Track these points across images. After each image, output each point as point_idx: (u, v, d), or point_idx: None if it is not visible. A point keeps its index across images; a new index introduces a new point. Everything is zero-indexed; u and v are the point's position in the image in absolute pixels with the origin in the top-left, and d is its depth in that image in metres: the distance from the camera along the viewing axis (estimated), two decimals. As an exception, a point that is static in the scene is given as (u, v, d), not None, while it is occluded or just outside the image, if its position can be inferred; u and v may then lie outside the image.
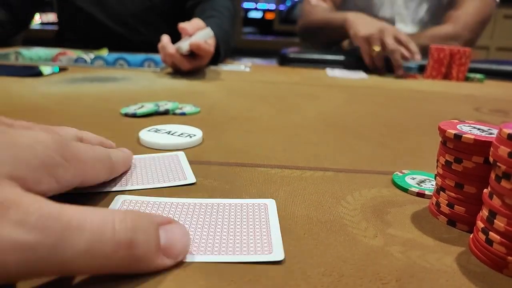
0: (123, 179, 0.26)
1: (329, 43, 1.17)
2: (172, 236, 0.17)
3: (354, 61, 0.96)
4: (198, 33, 0.70)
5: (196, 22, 0.75)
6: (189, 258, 0.17)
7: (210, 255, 0.18)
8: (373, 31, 0.86)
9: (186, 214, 0.21)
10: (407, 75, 0.87)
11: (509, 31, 2.55)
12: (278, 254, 0.18)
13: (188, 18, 0.89)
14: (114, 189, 0.24)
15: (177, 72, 0.73)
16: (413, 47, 0.84)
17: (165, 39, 0.70)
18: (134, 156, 0.29)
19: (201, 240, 0.19)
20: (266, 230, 0.20)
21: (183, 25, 0.71)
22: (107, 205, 0.22)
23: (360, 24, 0.90)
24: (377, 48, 0.85)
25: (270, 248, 0.18)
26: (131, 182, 0.26)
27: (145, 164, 0.29)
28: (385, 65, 0.87)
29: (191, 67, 0.71)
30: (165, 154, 0.31)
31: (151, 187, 0.25)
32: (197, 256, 0.18)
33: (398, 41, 0.84)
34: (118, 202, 0.22)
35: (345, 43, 1.21)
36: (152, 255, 0.16)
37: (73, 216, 0.14)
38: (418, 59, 0.84)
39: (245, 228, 0.20)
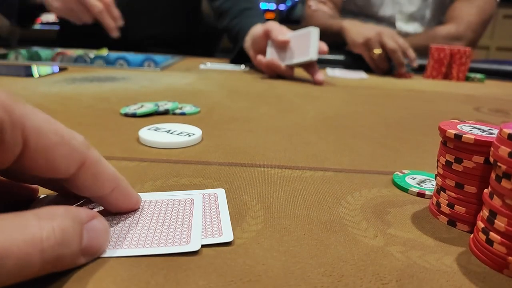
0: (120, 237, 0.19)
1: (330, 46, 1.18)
2: (93, 235, 0.16)
3: (354, 61, 0.96)
4: (310, 38, 0.70)
5: (276, 26, 0.75)
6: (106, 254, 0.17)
7: (141, 248, 0.18)
8: (370, 35, 0.87)
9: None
10: (409, 75, 0.87)
11: (509, 31, 2.55)
12: (227, 236, 0.19)
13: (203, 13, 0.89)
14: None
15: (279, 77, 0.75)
16: (411, 53, 0.85)
17: (270, 59, 0.73)
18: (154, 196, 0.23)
19: (141, 233, 0.19)
20: (216, 215, 0.21)
21: (282, 38, 0.71)
22: None
23: (356, 32, 0.91)
24: (377, 51, 0.86)
25: (220, 231, 0.19)
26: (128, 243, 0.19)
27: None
28: (389, 65, 0.88)
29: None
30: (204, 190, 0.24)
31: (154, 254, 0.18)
32: (137, 249, 0.18)
33: (396, 43, 0.85)
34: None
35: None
36: (74, 259, 0.16)
37: (0, 240, 0.13)
38: (414, 65, 0.86)
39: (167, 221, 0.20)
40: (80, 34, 1.03)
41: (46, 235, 0.14)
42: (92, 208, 0.21)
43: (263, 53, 0.76)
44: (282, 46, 0.73)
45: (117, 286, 0.16)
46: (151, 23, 1.02)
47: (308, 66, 0.72)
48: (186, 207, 0.22)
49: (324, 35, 1.08)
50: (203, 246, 0.18)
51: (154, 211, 0.21)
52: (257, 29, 0.78)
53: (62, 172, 0.17)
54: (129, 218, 0.20)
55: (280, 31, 0.73)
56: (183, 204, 0.22)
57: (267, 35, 0.75)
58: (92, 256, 0.17)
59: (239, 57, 0.87)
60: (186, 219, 0.20)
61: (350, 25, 0.95)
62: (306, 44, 0.70)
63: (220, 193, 0.24)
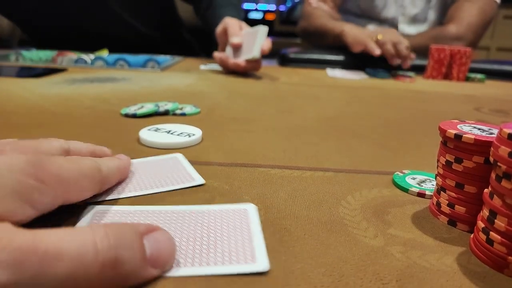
0: (119, 187, 0.24)
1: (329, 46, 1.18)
2: (157, 245, 0.16)
3: (354, 61, 0.96)
4: (257, 35, 0.73)
5: (234, 23, 0.79)
6: (174, 272, 0.16)
7: (194, 267, 0.17)
8: (369, 32, 0.90)
9: (163, 222, 0.20)
10: (411, 79, 0.85)
11: (510, 31, 2.55)
12: (262, 263, 0.17)
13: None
14: (108, 198, 0.23)
15: (235, 72, 0.77)
16: (405, 51, 0.85)
17: (223, 55, 0.77)
18: (134, 161, 0.28)
19: (180, 250, 0.18)
20: (248, 238, 0.19)
21: (236, 41, 0.75)
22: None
23: (358, 31, 0.93)
24: (380, 36, 0.87)
25: (253, 257, 0.17)
26: (128, 189, 0.24)
27: (143, 169, 0.27)
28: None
29: (261, 65, 0.78)
30: (162, 156, 0.30)
31: (152, 192, 0.24)
32: (181, 269, 0.17)
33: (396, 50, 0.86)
34: (90, 214, 0.21)
35: None
36: (139, 269, 0.15)
37: (49, 244, 0.13)
38: (406, 65, 0.87)
39: (226, 237, 0.19)
40: (48, 37, 1.00)
41: (99, 238, 0.14)
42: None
43: (225, 47, 0.82)
44: (236, 47, 0.77)
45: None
46: (123, 23, 0.98)
47: (256, 61, 0.75)
48: (242, 220, 0.21)
49: (322, 37, 1.09)
50: (182, 189, 0.19)
51: (203, 222, 0.20)
52: (219, 25, 0.82)
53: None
54: (185, 233, 0.19)
55: (234, 31, 0.77)
56: (238, 216, 0.21)
57: (225, 33, 0.80)
58: (162, 267, 0.16)
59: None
60: (245, 233, 0.19)
61: (349, 29, 0.96)
62: (253, 42, 0.73)
63: (180, 156, 0.26)
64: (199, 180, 0.26)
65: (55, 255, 0.13)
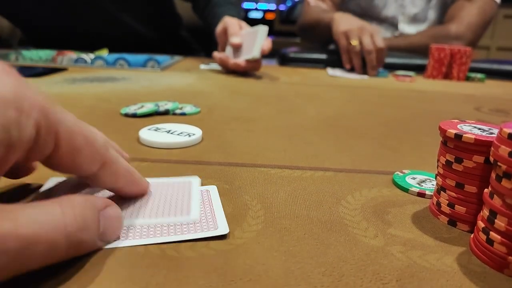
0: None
1: (326, 41, 1.17)
2: (109, 222, 0.18)
3: (337, 59, 0.96)
4: (257, 35, 0.73)
5: (233, 23, 0.79)
6: (139, 242, 0.18)
7: (159, 237, 0.19)
8: (352, 27, 0.87)
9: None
10: (411, 79, 0.85)
11: (510, 31, 2.54)
12: (223, 229, 0.20)
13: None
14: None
15: (235, 72, 0.78)
16: (380, 59, 0.85)
17: (223, 55, 0.77)
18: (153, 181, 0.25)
19: (144, 223, 0.20)
20: (210, 208, 0.22)
21: (236, 41, 0.76)
22: None
23: (342, 21, 0.91)
24: (354, 42, 0.85)
25: (215, 224, 0.20)
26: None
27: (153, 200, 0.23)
28: (362, 64, 0.87)
29: (261, 65, 0.78)
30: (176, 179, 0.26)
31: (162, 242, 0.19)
32: (147, 239, 0.19)
33: (373, 43, 0.84)
34: (51, 184, 0.23)
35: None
36: (93, 244, 0.17)
37: (28, 230, 0.14)
38: (370, 74, 0.85)
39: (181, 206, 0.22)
40: (49, 37, 1.00)
41: (69, 221, 0.15)
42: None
43: (225, 47, 0.82)
44: (236, 47, 0.77)
45: (117, 286, 0.16)
46: (127, 23, 0.99)
47: (256, 61, 0.75)
48: (185, 190, 0.24)
49: (317, 29, 1.08)
50: (198, 240, 0.19)
51: (166, 196, 0.23)
52: (219, 25, 0.82)
53: (85, 171, 0.18)
54: (143, 204, 0.22)
55: (234, 31, 0.78)
56: (186, 188, 0.24)
57: (225, 32, 0.80)
58: (108, 241, 0.18)
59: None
60: (207, 205, 0.22)
61: (338, 16, 0.95)
62: (253, 42, 0.73)
63: (213, 189, 0.25)
64: (223, 229, 0.20)
65: (33, 240, 0.14)
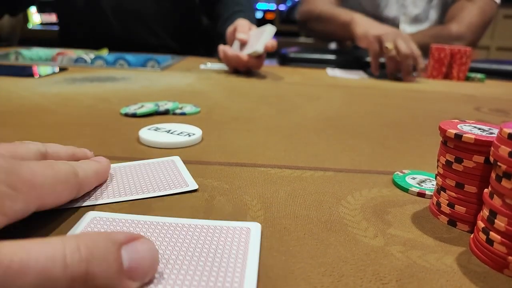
0: (97, 192, 0.24)
1: (327, 37, 1.15)
2: (137, 256, 0.15)
3: (352, 61, 0.95)
4: (264, 33, 0.73)
5: (243, 24, 0.80)
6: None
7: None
8: (386, 31, 0.81)
9: (158, 234, 0.19)
10: (413, 78, 0.85)
11: (510, 31, 2.54)
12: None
13: (200, 14, 0.90)
14: (84, 204, 0.22)
15: (237, 71, 0.78)
16: (421, 63, 0.79)
17: (227, 48, 0.77)
18: (123, 164, 0.28)
19: (173, 267, 0.17)
20: (241, 264, 0.17)
21: (242, 36, 0.77)
22: (75, 222, 0.20)
23: (370, 25, 0.86)
24: (390, 46, 0.78)
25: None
26: (106, 194, 0.23)
27: (133, 172, 0.27)
28: (395, 68, 0.81)
29: (262, 65, 0.78)
30: (157, 159, 0.29)
31: (136, 198, 0.23)
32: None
33: (409, 48, 0.79)
34: (86, 220, 0.20)
35: (349, 43, 1.19)
36: (114, 282, 0.14)
37: (14, 256, 0.12)
38: (419, 76, 0.81)
39: (218, 259, 0.17)
40: (81, 36, 1.04)
41: (69, 251, 0.13)
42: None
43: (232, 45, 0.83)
44: (242, 42, 0.78)
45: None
46: (146, 26, 1.03)
47: (258, 58, 0.75)
48: (240, 241, 0.19)
49: (328, 23, 1.02)
50: (171, 194, 0.23)
51: (199, 239, 0.19)
52: (230, 26, 0.83)
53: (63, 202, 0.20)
54: (177, 248, 0.18)
55: (243, 29, 0.78)
56: (238, 235, 0.20)
57: (234, 32, 0.81)
58: (142, 279, 0.15)
59: None
60: (239, 259, 0.18)
61: (362, 19, 0.89)
62: (258, 39, 0.74)
63: (177, 159, 0.29)
64: (193, 185, 0.25)
65: (20, 269, 0.12)
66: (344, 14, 0.97)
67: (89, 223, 0.20)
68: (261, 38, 0.73)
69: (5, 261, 0.12)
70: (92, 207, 0.22)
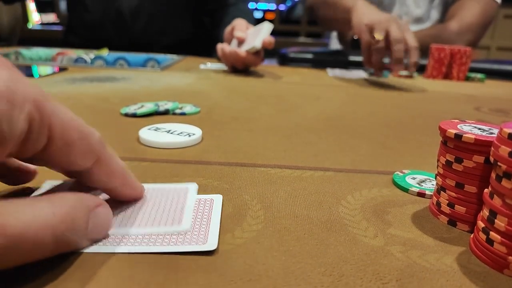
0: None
1: (334, 26, 1.13)
2: (97, 222, 0.18)
3: (351, 61, 0.96)
4: (261, 30, 0.74)
5: (241, 23, 0.81)
6: (126, 249, 0.18)
7: (145, 246, 0.18)
8: (378, 18, 0.72)
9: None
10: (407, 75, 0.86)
11: (510, 31, 2.54)
12: (212, 244, 0.19)
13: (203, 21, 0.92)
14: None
15: (236, 71, 0.78)
16: (414, 54, 0.69)
17: (226, 46, 0.77)
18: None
19: (132, 227, 0.19)
20: (207, 219, 0.20)
21: (239, 34, 0.77)
22: None
23: (367, 12, 0.78)
24: (378, 36, 0.69)
25: (205, 239, 0.19)
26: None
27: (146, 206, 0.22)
28: (382, 63, 0.74)
29: (260, 62, 0.78)
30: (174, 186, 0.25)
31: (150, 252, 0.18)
32: (132, 247, 0.18)
33: (405, 41, 0.70)
34: (47, 187, 0.23)
35: (351, 34, 1.16)
36: (79, 243, 0.17)
37: (15, 230, 0.14)
38: (411, 70, 0.71)
39: (173, 214, 0.21)
40: (86, 35, 1.04)
41: (58, 223, 0.15)
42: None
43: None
44: (240, 40, 0.78)
45: (117, 286, 0.16)
46: (160, 27, 1.05)
47: (256, 55, 0.75)
48: (180, 197, 0.23)
49: (333, 9, 0.96)
50: (182, 253, 0.18)
51: (160, 203, 0.22)
52: (228, 26, 0.84)
53: (78, 166, 0.18)
54: (136, 209, 0.21)
55: (240, 28, 0.79)
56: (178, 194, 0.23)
57: (232, 31, 0.81)
58: (94, 241, 0.18)
59: None
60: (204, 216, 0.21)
61: (363, 6, 0.81)
62: (256, 36, 0.75)
63: (217, 199, 0.23)
64: (212, 244, 0.19)
65: (20, 239, 0.14)
66: (348, 0, 0.88)
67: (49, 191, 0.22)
68: (259, 34, 0.74)
69: (8, 231, 0.14)
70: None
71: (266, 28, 0.74)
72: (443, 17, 1.11)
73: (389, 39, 0.68)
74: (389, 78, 0.84)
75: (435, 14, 1.12)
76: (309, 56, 1.02)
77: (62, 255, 0.17)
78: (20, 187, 0.24)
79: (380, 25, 0.70)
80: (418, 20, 1.12)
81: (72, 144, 0.17)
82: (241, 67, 0.77)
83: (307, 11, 1.22)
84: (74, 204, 0.16)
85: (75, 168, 0.18)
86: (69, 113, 0.17)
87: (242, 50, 0.73)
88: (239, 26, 0.80)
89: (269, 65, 0.97)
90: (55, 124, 0.16)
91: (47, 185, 0.23)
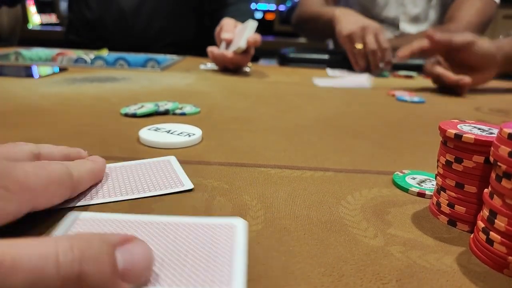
0: (92, 191, 0.24)
1: (322, 37, 1.17)
2: (131, 258, 0.15)
3: (337, 60, 0.96)
4: (246, 29, 0.75)
5: (229, 23, 0.82)
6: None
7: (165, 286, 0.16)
8: (354, 29, 0.86)
9: (147, 233, 0.19)
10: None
11: (510, 31, 2.54)
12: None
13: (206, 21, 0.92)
14: (80, 203, 0.22)
15: (227, 70, 0.79)
16: (387, 55, 0.85)
17: (214, 48, 0.79)
18: (118, 164, 0.28)
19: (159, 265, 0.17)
20: (229, 260, 0.17)
21: (226, 36, 0.78)
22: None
23: (344, 22, 0.90)
24: (359, 46, 0.85)
25: (228, 282, 0.16)
26: (102, 194, 0.23)
27: (128, 172, 0.27)
28: (367, 65, 0.87)
29: (249, 61, 0.79)
30: (153, 159, 0.29)
31: (130, 198, 0.23)
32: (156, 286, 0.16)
33: (377, 42, 0.84)
34: (69, 221, 0.20)
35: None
36: (108, 284, 0.14)
37: (6, 254, 0.12)
38: (387, 68, 0.86)
39: (206, 255, 0.17)
40: (87, 34, 1.04)
41: (62, 250, 0.13)
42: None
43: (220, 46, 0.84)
44: (227, 42, 0.80)
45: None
46: (160, 27, 1.05)
47: (244, 55, 0.76)
48: (227, 237, 0.19)
49: (315, 24, 1.06)
50: (167, 194, 0.23)
51: (187, 237, 0.19)
52: (217, 27, 0.85)
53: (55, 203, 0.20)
54: (164, 247, 0.18)
55: (228, 29, 0.80)
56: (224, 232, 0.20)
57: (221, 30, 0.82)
58: (135, 282, 0.15)
59: None
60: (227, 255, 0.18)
61: (341, 13, 0.93)
62: (242, 34, 0.75)
63: (172, 159, 0.29)
64: (188, 185, 0.25)
65: (11, 266, 0.12)
66: (328, 11, 0.99)
67: (72, 224, 0.20)
68: (244, 34, 0.74)
69: None
70: (86, 207, 0.22)
71: (250, 26, 0.74)
72: (442, 18, 1.11)
73: (366, 48, 0.84)
74: (389, 78, 0.84)
75: (433, 14, 1.12)
76: (309, 56, 1.01)
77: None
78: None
79: (357, 36, 0.85)
80: (415, 19, 1.12)
81: (53, 198, 0.20)
82: (232, 67, 0.78)
83: (294, 29, 1.26)
84: (87, 238, 0.15)
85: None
86: (36, 171, 0.19)
87: (229, 51, 0.75)
88: (226, 26, 0.81)
89: (269, 65, 0.97)
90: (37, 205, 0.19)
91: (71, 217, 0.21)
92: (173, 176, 0.26)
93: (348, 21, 0.90)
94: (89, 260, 0.14)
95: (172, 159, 0.29)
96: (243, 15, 0.95)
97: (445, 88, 0.70)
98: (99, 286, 0.14)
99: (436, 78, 0.70)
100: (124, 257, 0.15)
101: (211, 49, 0.79)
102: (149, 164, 0.28)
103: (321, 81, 0.74)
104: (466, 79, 0.65)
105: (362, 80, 0.78)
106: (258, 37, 0.75)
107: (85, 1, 1.01)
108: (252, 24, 0.75)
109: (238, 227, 0.20)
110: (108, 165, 0.27)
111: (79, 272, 0.13)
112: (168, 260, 0.17)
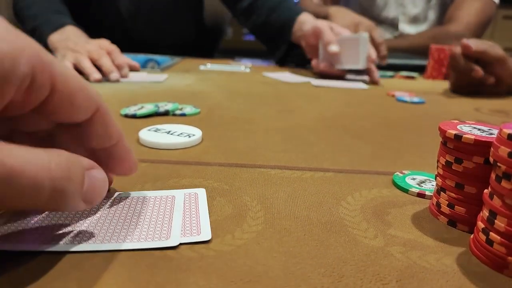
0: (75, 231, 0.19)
1: None
2: (93, 183, 0.17)
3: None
4: (359, 44, 0.72)
5: (325, 29, 0.77)
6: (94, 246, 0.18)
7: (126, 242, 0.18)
8: (348, 25, 0.86)
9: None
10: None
11: (510, 31, 2.55)
12: (205, 235, 0.19)
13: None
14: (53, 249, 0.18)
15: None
16: (383, 50, 0.84)
17: (324, 65, 0.78)
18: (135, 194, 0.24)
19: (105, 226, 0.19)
20: (196, 215, 0.21)
21: (334, 50, 0.75)
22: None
23: (338, 18, 0.90)
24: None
25: (198, 230, 0.19)
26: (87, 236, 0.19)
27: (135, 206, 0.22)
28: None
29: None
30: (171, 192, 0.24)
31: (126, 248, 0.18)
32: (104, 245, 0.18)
33: (371, 38, 0.84)
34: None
35: None
36: (76, 201, 0.16)
37: (13, 161, 0.14)
38: (383, 63, 0.85)
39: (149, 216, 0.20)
40: (86, 35, 1.04)
41: (54, 165, 0.15)
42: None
43: (313, 48, 0.81)
44: (334, 55, 0.76)
45: (117, 286, 0.16)
46: (159, 28, 1.05)
47: (362, 70, 0.76)
48: (167, 205, 0.22)
49: None
50: (182, 244, 0.19)
51: (136, 207, 0.22)
52: (306, 25, 0.81)
53: (80, 117, 0.18)
54: (111, 213, 0.21)
55: (330, 38, 0.76)
56: (164, 202, 0.23)
57: (316, 35, 0.79)
58: (91, 204, 0.17)
59: (285, 51, 0.91)
60: (166, 216, 0.21)
61: (334, 11, 0.93)
62: (356, 51, 0.72)
63: (201, 192, 0.24)
64: (206, 235, 0.20)
65: (17, 174, 0.14)
66: (322, 10, 0.99)
67: None
68: (358, 51, 0.71)
69: (9, 163, 0.13)
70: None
71: (364, 42, 0.71)
72: (441, 18, 1.11)
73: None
74: (388, 79, 0.84)
75: (432, 14, 1.12)
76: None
77: (59, 256, 0.17)
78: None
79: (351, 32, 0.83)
80: (415, 20, 1.13)
81: (74, 94, 0.17)
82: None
83: None
84: (69, 157, 0.16)
85: (77, 119, 0.18)
86: (65, 64, 0.18)
87: (340, 67, 0.74)
88: (327, 35, 0.76)
89: (269, 66, 0.97)
90: (56, 73, 0.16)
91: None
92: (193, 219, 0.21)
93: (342, 18, 0.91)
94: (70, 179, 0.16)
95: (201, 192, 0.24)
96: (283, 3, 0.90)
97: (459, 80, 0.70)
98: (66, 203, 0.16)
99: (461, 65, 0.68)
100: (89, 181, 0.17)
101: (319, 65, 0.78)
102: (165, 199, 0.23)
103: (316, 81, 0.74)
104: (491, 78, 0.66)
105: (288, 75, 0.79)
106: (374, 54, 0.73)
107: (84, 4, 1.01)
108: (364, 38, 0.71)
109: (176, 197, 0.23)
110: (118, 194, 0.23)
111: (63, 189, 0.15)
112: (122, 220, 0.20)
